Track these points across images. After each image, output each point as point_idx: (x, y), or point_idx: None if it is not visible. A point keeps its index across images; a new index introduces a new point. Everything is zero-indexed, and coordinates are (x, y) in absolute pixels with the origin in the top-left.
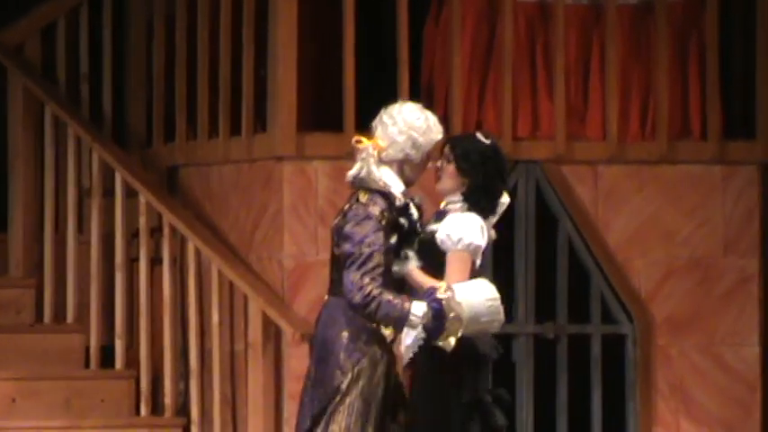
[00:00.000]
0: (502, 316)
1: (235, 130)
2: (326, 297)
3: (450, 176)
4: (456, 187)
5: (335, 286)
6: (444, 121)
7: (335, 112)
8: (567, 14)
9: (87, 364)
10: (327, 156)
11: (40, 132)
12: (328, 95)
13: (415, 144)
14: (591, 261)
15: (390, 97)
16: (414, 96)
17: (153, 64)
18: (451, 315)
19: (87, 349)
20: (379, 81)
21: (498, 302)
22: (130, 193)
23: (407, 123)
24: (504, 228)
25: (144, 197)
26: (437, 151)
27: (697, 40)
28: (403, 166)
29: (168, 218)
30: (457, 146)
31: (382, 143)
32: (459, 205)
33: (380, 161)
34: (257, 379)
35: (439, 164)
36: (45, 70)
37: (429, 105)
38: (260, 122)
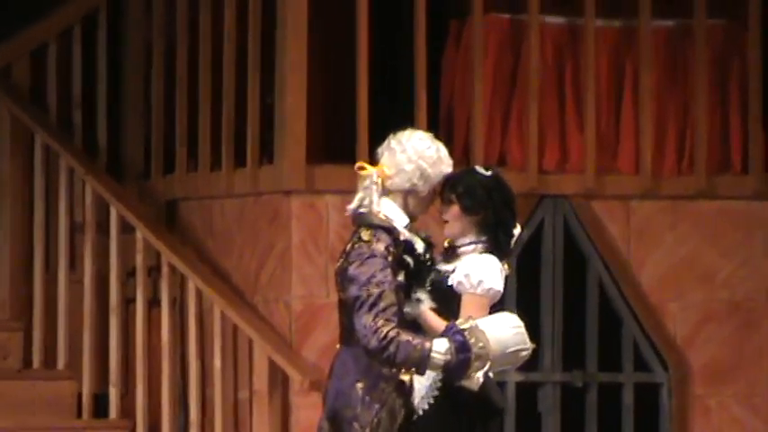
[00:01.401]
0: (529, 345)
1: (239, 161)
2: (338, 346)
3: (455, 219)
4: (465, 229)
5: (346, 334)
6: (465, 153)
7: (348, 142)
8: (598, 38)
9: (80, 414)
10: (339, 189)
11: (29, 163)
12: (340, 125)
13: (423, 175)
14: (623, 304)
15: (407, 127)
16: (432, 126)
17: (151, 89)
18: (478, 346)
19: (80, 397)
20: (395, 110)
21: (524, 330)
22: (126, 229)
23: (417, 152)
24: (530, 268)
25: (141, 233)
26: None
27: (738, 65)
28: (407, 199)
29: (167, 256)
30: (457, 184)
31: (388, 171)
32: (472, 247)
33: (384, 191)
34: (263, 430)
35: (440, 208)
36: (34, 96)
37: (449, 136)
38: (266, 153)
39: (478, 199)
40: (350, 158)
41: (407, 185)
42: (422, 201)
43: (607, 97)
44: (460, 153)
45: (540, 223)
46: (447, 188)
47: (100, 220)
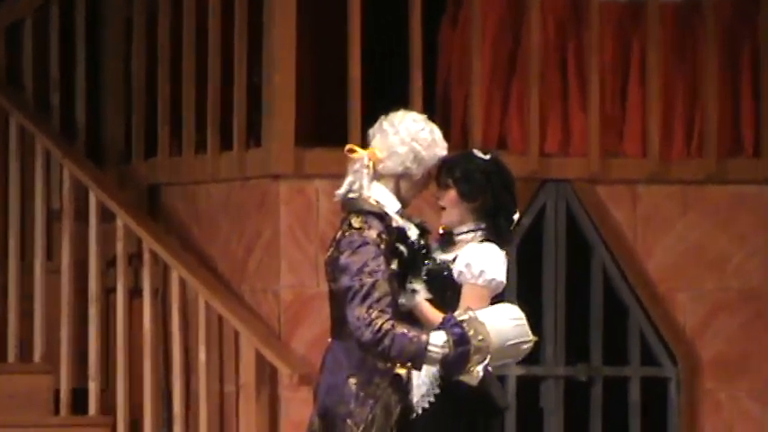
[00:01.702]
0: (531, 337)
1: (225, 144)
2: (329, 340)
3: (453, 205)
4: (463, 216)
5: (338, 327)
6: (462, 135)
7: (339, 124)
8: (603, 14)
9: (57, 410)
10: (330, 174)
11: (3, 146)
12: (331, 106)
13: (417, 158)
14: (629, 294)
15: (401, 108)
16: (428, 108)
17: (132, 68)
18: (477, 338)
19: (57, 392)
20: (389, 91)
21: (525, 322)
22: (106, 216)
23: (411, 134)
24: (531, 256)
25: (121, 220)
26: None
27: (750, 42)
28: (399, 183)
29: (149, 243)
30: (454, 168)
31: (380, 154)
32: (471, 235)
33: (376, 175)
34: (249, 426)
35: (437, 194)
36: (10, 76)
37: (445, 118)
38: (253, 136)
39: (477, 184)
40: (341, 141)
41: (400, 169)
42: (415, 185)
43: (612, 76)
44: (458, 136)
45: (542, 209)
46: (443, 173)
47: (78, 207)
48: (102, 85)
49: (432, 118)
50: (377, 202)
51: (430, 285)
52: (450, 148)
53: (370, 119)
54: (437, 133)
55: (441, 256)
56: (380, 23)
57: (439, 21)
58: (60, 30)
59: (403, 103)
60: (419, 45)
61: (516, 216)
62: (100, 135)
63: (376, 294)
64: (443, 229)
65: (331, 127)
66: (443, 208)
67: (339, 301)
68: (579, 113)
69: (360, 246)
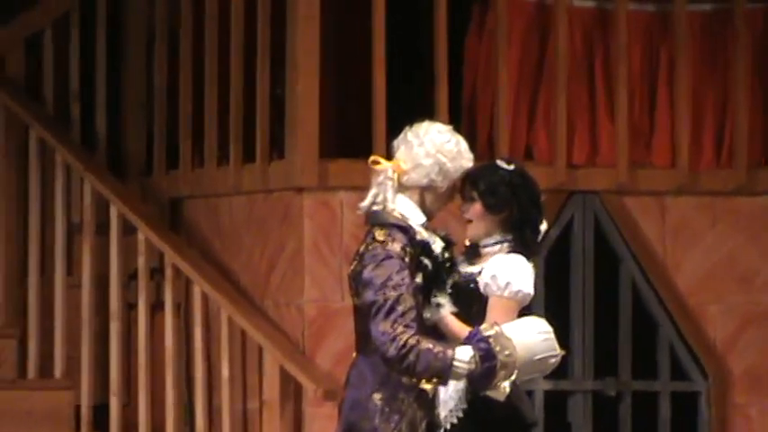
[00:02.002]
0: (558, 351)
1: (248, 156)
2: (354, 355)
3: (478, 218)
4: (489, 229)
5: (362, 342)
6: (488, 146)
7: (363, 136)
8: (631, 22)
9: (78, 427)
10: (354, 186)
11: (23, 159)
12: (355, 117)
13: (442, 170)
14: (658, 307)
15: (427, 119)
16: (454, 117)
17: (153, 80)
18: (504, 353)
19: (78, 409)
20: (414, 101)
21: (552, 336)
22: (128, 230)
23: (436, 145)
24: (559, 269)
25: (143, 234)
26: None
27: None
28: (425, 195)
29: (171, 257)
30: (479, 180)
31: (404, 165)
32: (497, 247)
33: (400, 187)
34: None
35: (463, 207)
36: (29, 88)
37: (471, 128)
38: (277, 148)
39: (502, 196)
40: (365, 153)
41: (425, 181)
42: (440, 197)
43: (640, 86)
44: (484, 146)
45: (570, 221)
46: (468, 185)
47: (99, 220)
48: (124, 96)
49: (457, 129)
50: (401, 214)
51: (455, 298)
52: (476, 160)
53: (394, 130)
54: (463, 145)
55: (466, 269)
56: (405, 34)
57: (465, 31)
58: (81, 41)
59: (428, 113)
60: (444, 55)
61: (544, 227)
62: (121, 147)
63: (400, 309)
64: (469, 241)
65: (355, 138)
66: (469, 221)
67: (363, 315)
68: (607, 124)
69: (383, 259)
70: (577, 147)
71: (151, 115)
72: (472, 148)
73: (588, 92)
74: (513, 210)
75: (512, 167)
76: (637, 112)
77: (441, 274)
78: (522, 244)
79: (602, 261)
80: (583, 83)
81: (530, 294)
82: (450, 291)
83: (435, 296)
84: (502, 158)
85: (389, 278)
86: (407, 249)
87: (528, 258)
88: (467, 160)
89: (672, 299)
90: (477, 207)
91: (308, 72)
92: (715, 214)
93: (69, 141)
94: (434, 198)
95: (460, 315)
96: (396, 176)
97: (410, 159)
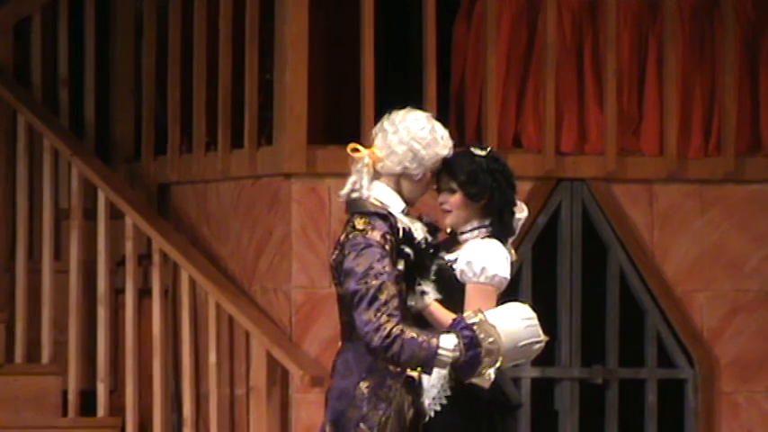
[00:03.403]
0: (542, 337)
1: (236, 142)
2: (340, 343)
3: (459, 208)
4: (470, 216)
5: (347, 331)
6: (477, 133)
7: (352, 122)
8: (619, 10)
9: (65, 412)
10: (342, 173)
11: (11, 144)
12: (344, 104)
13: (416, 157)
14: (645, 295)
15: (415, 106)
16: (442, 105)
17: (142, 66)
18: (488, 341)
19: (65, 394)
20: (402, 87)
21: (536, 322)
22: (115, 215)
23: (410, 133)
24: (546, 256)
25: (131, 219)
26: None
27: None
28: (401, 182)
29: (159, 243)
30: (457, 171)
31: (380, 153)
32: (476, 233)
33: (376, 174)
34: (260, 428)
35: (440, 198)
36: (18, 73)
37: (460, 116)
38: (265, 134)
39: (483, 184)
40: (354, 139)
41: (399, 168)
42: (416, 184)
43: (629, 74)
44: (472, 134)
45: (557, 208)
46: (446, 176)
47: (87, 205)
48: (112, 82)
49: (446, 116)
50: (381, 202)
51: (439, 285)
52: (452, 147)
53: (383, 117)
54: (439, 132)
55: (446, 257)
56: (394, 20)
57: (453, 18)
58: (69, 26)
59: (417, 100)
60: (433, 42)
61: (525, 213)
62: (109, 133)
63: (383, 298)
64: (449, 229)
65: (344, 125)
66: (448, 211)
67: (347, 304)
68: (595, 112)
69: (364, 248)
70: (566, 134)
71: (139, 101)
72: (461, 135)
73: (577, 80)
74: (493, 195)
75: (485, 152)
76: (625, 100)
77: (424, 261)
78: (501, 227)
79: (590, 249)
80: (572, 70)
81: (506, 279)
82: (433, 278)
83: (420, 284)
84: (473, 144)
85: (371, 267)
86: (388, 237)
87: (506, 241)
88: (442, 147)
89: (659, 286)
90: (457, 198)
91: (296, 58)
92: (703, 202)
93: (57, 126)
94: (412, 185)
95: (444, 301)
96: (371, 163)
97: (385, 147)
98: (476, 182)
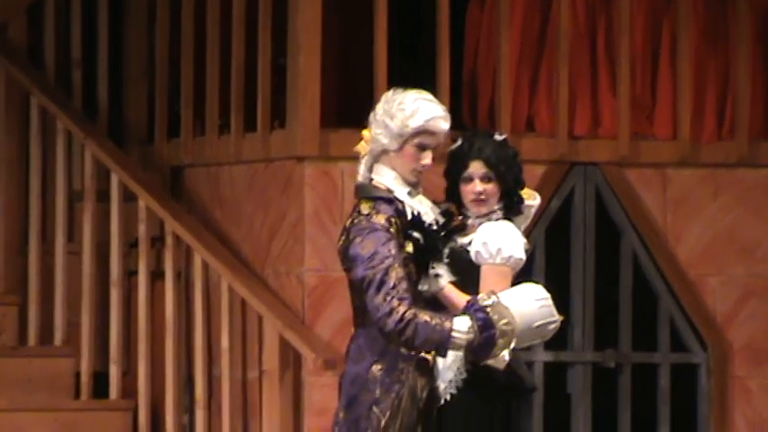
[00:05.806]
0: (557, 317)
1: (249, 125)
2: (353, 330)
3: (494, 195)
4: (495, 203)
5: (359, 316)
6: (489, 117)
7: (365, 106)
8: None
9: (78, 394)
10: (355, 156)
11: (24, 126)
12: (357, 87)
13: (388, 132)
14: (659, 279)
15: (428, 89)
16: (455, 89)
17: (155, 48)
18: (502, 322)
19: (78, 376)
20: (416, 71)
21: (550, 302)
22: (128, 197)
23: (384, 111)
24: (559, 241)
25: (144, 201)
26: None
27: None
28: (388, 162)
29: (171, 226)
30: (497, 163)
31: (367, 137)
32: (493, 215)
33: (372, 158)
34: (273, 411)
35: (478, 187)
36: (31, 55)
37: (473, 100)
38: (278, 117)
39: (516, 170)
40: (367, 123)
41: (379, 149)
42: (401, 160)
43: (642, 58)
44: (485, 117)
45: (571, 193)
46: (483, 165)
47: (100, 188)
48: (125, 64)
49: (459, 100)
50: (386, 186)
51: (453, 268)
52: (433, 119)
53: None
54: (410, 104)
55: (459, 240)
56: (407, 3)
57: (466, 2)
58: (82, 8)
59: (430, 84)
60: (446, 25)
61: (538, 201)
62: (122, 115)
63: (391, 281)
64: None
65: (357, 108)
66: (484, 200)
67: (357, 290)
68: (609, 96)
69: (369, 232)
70: (579, 118)
71: (152, 83)
72: (473, 119)
73: (590, 64)
74: (517, 178)
75: (503, 137)
76: (639, 84)
77: (436, 244)
78: (511, 208)
79: (603, 233)
80: (585, 54)
81: (522, 259)
82: (446, 260)
83: (433, 267)
84: (485, 130)
85: (376, 251)
86: (392, 220)
87: (514, 219)
88: (417, 118)
89: (672, 271)
90: (494, 186)
91: (310, 41)
92: (716, 186)
93: (71, 109)
94: (397, 162)
95: (458, 283)
96: (366, 148)
97: (371, 131)
98: (510, 171)
